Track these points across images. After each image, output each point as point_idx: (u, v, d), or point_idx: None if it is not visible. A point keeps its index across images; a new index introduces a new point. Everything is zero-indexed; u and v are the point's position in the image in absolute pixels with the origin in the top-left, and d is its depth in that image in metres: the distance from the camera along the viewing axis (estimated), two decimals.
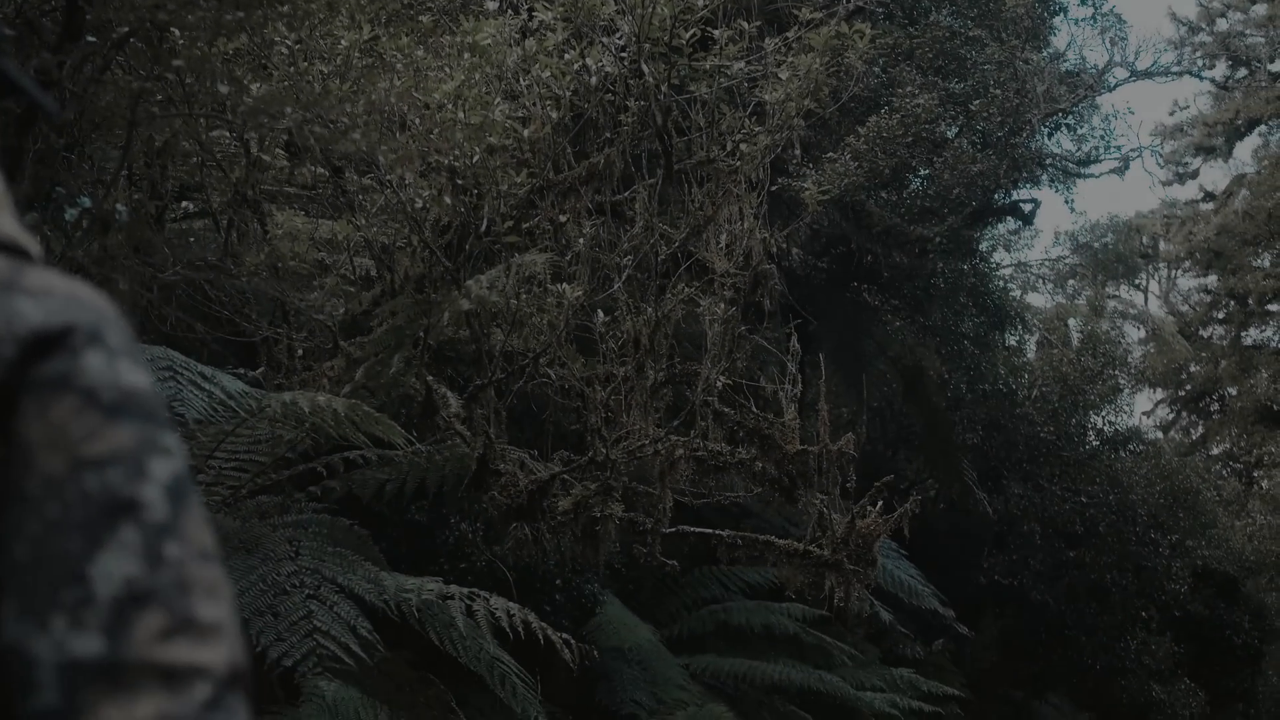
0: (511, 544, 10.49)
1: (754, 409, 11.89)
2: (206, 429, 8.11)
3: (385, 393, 9.42)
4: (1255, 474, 32.44)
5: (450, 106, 8.80)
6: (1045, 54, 19.87)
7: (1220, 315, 36.07)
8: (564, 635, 8.47)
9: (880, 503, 12.04)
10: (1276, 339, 33.63)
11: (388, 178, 8.94)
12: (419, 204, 8.94)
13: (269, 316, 9.62)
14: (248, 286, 8.91)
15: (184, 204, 10.39)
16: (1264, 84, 32.68)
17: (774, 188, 13.13)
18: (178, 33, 6.89)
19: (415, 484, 9.98)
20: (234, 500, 8.82)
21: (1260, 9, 32.59)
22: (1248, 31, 33.51)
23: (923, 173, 18.22)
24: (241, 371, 8.82)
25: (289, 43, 7.72)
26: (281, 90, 7.29)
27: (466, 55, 9.03)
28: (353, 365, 9.16)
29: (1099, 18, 21.79)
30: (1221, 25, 33.67)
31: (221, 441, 8.47)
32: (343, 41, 8.10)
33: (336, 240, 9.51)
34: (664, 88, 11.00)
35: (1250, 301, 33.82)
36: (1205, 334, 36.44)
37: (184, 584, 1.10)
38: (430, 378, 9.78)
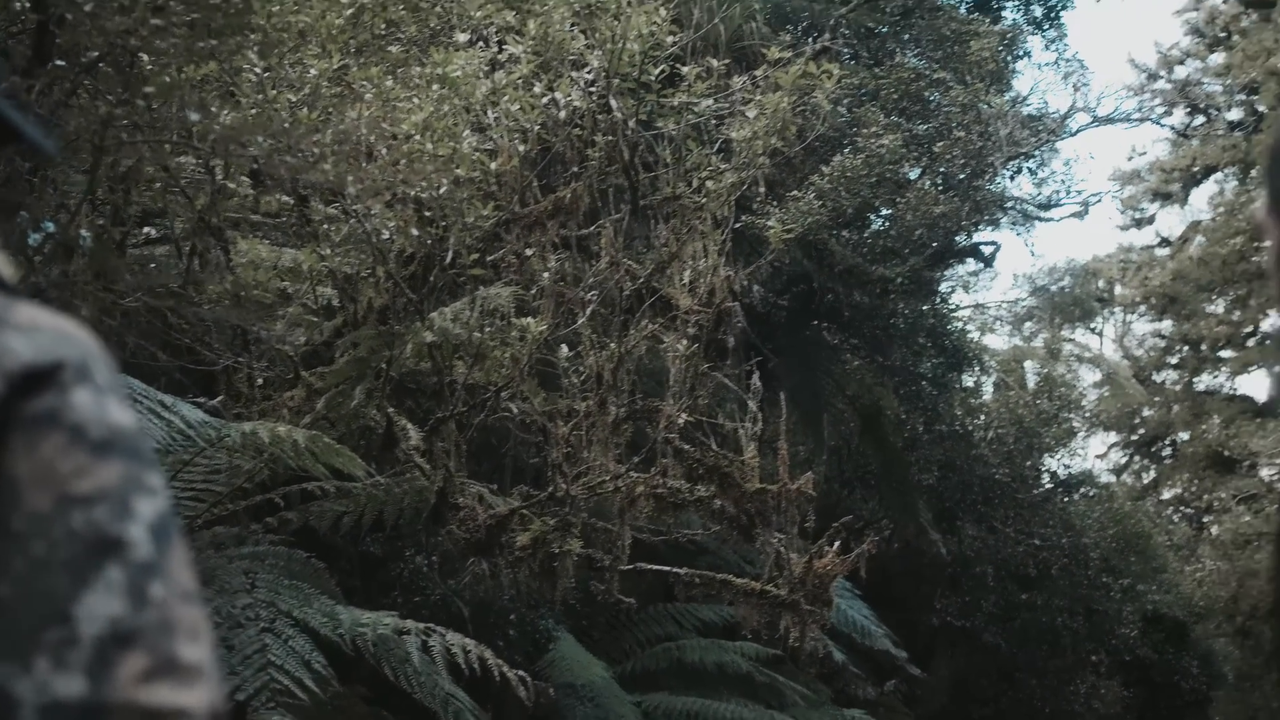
0: (468, 578, 10.42)
1: (714, 446, 11.88)
2: (164, 458, 8.02)
3: (346, 424, 9.35)
4: (1205, 519, 32.67)
5: (418, 137, 8.77)
6: (1008, 98, 20.03)
7: (1174, 360, 36.37)
8: (519, 673, 8.40)
9: (837, 543, 12.05)
10: (1228, 385, 33.94)
11: (354, 208, 8.89)
12: (384, 235, 8.90)
13: (230, 345, 9.54)
14: (209, 315, 8.84)
15: (146, 229, 10.31)
16: (1221, 132, 33.06)
17: (738, 225, 13.16)
18: (147, 58, 6.83)
19: (373, 516, 9.90)
20: (189, 531, 8.72)
21: (1218, 57, 33.00)
22: (1205, 80, 33.91)
23: (885, 213, 18.30)
24: (201, 400, 8.73)
25: (258, 70, 7.68)
26: (250, 118, 7.24)
27: (436, 86, 9.01)
28: (314, 396, 9.09)
29: (1062, 63, 22.02)
30: (1180, 73, 34.07)
31: (179, 471, 8.38)
32: (312, 70, 8.06)
33: (300, 269, 9.45)
34: (632, 123, 11.03)
35: (1203, 347, 34.11)
36: (1159, 379, 36.72)
37: (168, 625, 1.09)
38: (391, 409, 9.72)
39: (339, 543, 10.78)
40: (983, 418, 24.83)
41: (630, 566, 11.03)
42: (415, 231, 8.84)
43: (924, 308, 20.39)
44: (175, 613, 1.09)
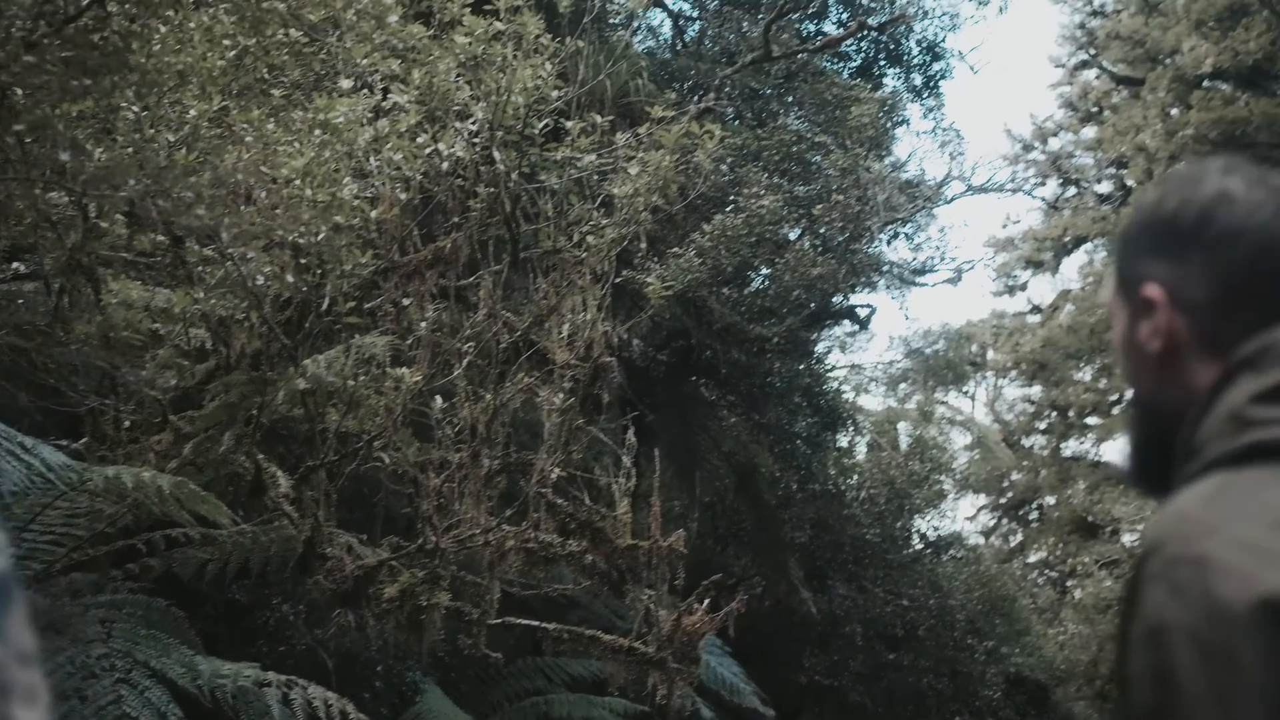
0: (334, 629, 10.27)
1: (587, 501, 11.87)
2: (22, 501, 7.82)
3: (214, 470, 9.20)
4: (1069, 583, 33.28)
5: (298, 182, 8.70)
6: (887, 163, 20.42)
7: (1042, 426, 37.12)
8: None
9: (707, 600, 12.08)
10: (1094, 451, 34.68)
11: (230, 251, 8.78)
12: (260, 280, 8.80)
13: (97, 386, 9.35)
14: (76, 355, 8.65)
15: (15, 265, 10.08)
16: (1091, 204, 33.95)
17: (619, 280, 13.22)
18: (20, 93, 6.71)
19: (238, 564, 9.74)
20: (46, 577, 8.50)
21: (1089, 131, 33.90)
22: (1077, 152, 34.85)
23: (765, 272, 18.50)
24: (64, 443, 8.53)
25: (136, 109, 7.58)
26: (125, 158, 7.14)
27: (318, 132, 8.96)
28: (181, 440, 8.93)
29: (939, 131, 22.51)
30: (1054, 145, 34.98)
31: (37, 514, 8.17)
32: (191, 111, 7.97)
33: (173, 311, 9.30)
34: (514, 176, 11.05)
35: (1071, 413, 34.87)
36: (1028, 443, 37.44)
37: (3, 688, 1.05)
38: (261, 456, 9.58)
39: (204, 590, 10.58)
40: (856, 478, 25.11)
41: (499, 620, 10.96)
42: (291, 278, 8.75)
43: (800, 367, 20.62)
44: (11, 675, 1.06)
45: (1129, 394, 1.79)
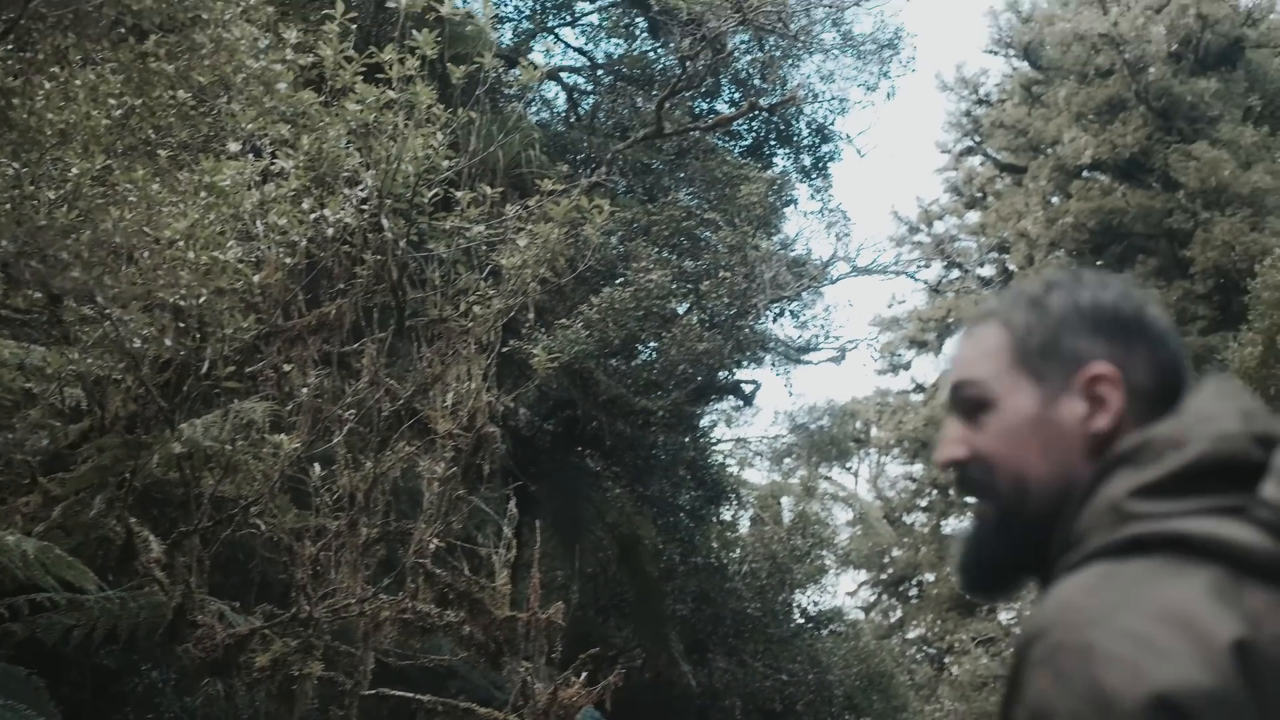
0: (203, 698, 10.08)
1: (467, 571, 11.80)
2: None
3: (83, 533, 9.01)
4: (946, 660, 33.57)
5: (182, 244, 8.63)
6: (775, 241, 20.67)
7: (923, 503, 37.56)
8: None
9: (585, 672, 12.04)
10: None
11: (108, 311, 8.67)
12: (138, 341, 8.69)
13: None
14: None
15: None
16: (973, 287, 34.61)
17: (505, 350, 13.22)
18: None
19: (105, 630, 9.53)
20: None
21: (973, 216, 34.62)
22: (961, 236, 35.55)
23: (651, 345, 18.61)
24: None
25: (15, 166, 7.49)
26: (2, 215, 7.04)
27: (203, 194, 8.89)
28: (51, 502, 8.75)
29: (826, 212, 22.86)
30: (939, 228, 35.65)
31: None
32: (74, 169, 7.89)
33: (46, 370, 9.13)
34: (402, 243, 11.03)
35: (951, 492, 35.30)
36: (909, 520, 37.84)
37: None
38: (133, 520, 9.41)
39: (70, 655, 10.33)
40: (738, 551, 25.19)
41: (373, 691, 10.82)
42: (170, 340, 8.65)
43: (685, 440, 20.70)
44: None
45: (1001, 480, 1.76)
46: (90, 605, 9.36)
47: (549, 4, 20.98)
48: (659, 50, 20.46)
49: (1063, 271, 1.91)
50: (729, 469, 25.98)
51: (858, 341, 36.54)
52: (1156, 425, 1.69)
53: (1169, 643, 1.42)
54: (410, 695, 11.32)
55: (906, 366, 38.01)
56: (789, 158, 22.12)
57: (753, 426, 49.30)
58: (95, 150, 8.02)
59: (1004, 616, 30.70)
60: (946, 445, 1.82)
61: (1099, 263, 27.74)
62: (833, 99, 21.99)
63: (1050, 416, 1.75)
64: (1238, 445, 1.62)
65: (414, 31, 9.88)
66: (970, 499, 1.81)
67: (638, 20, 20.84)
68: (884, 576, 37.10)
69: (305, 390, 10.02)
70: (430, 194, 10.67)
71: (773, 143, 21.78)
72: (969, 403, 1.81)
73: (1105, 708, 1.39)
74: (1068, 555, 1.63)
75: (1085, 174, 28.23)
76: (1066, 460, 1.73)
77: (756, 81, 20.36)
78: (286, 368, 10.03)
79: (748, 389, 22.26)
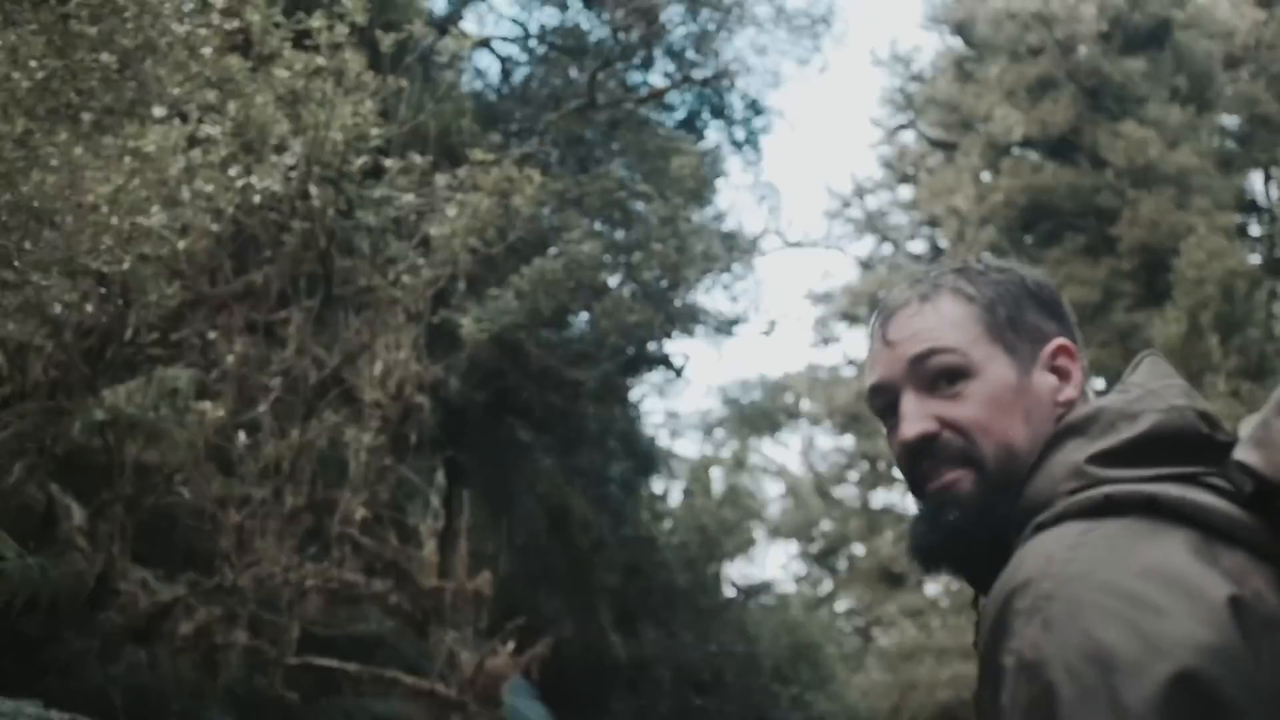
0: (126, 667, 10.02)
1: (395, 541, 11.80)
2: None
3: (3, 500, 8.92)
4: (874, 631, 33.88)
5: (105, 209, 8.53)
6: (707, 213, 20.73)
7: (854, 477, 37.81)
8: None
9: (513, 642, 12.08)
10: (901, 503, 35.42)
11: (30, 277, 8.56)
12: (59, 307, 8.60)
13: None
14: None
15: None
16: (904, 263, 34.83)
17: (435, 320, 13.19)
18: None
19: (25, 598, 9.44)
20: None
21: (905, 191, 34.83)
22: (893, 211, 35.76)
23: (583, 317, 18.61)
24: None
25: None
26: None
27: (128, 159, 8.80)
28: None
29: (759, 186, 22.94)
30: (871, 203, 35.82)
31: None
32: None
33: None
34: (330, 212, 10.98)
35: (880, 464, 35.58)
36: (838, 493, 38.08)
37: None
38: (55, 487, 9.33)
39: None
40: (669, 523, 25.30)
41: (299, 659, 10.81)
42: (91, 307, 8.56)
43: (615, 412, 20.74)
44: None
45: (986, 447, 1.74)
46: (9, 573, 9.27)
47: None
48: (593, 21, 20.40)
49: (989, 256, 1.95)
50: (660, 442, 26.10)
51: (788, 315, 36.67)
52: (1104, 398, 1.76)
53: (1161, 599, 1.46)
54: (336, 664, 11.32)
55: (838, 340, 38.20)
56: (721, 130, 22.18)
57: (683, 400, 49.45)
58: (15, 113, 7.91)
59: (930, 589, 31.03)
60: (914, 420, 1.78)
61: (1028, 239, 28.02)
62: (766, 72, 22.07)
63: (1028, 386, 1.79)
64: (1187, 418, 1.68)
65: None
66: (935, 475, 1.78)
67: None
68: (814, 549, 37.34)
69: (231, 358, 9.95)
70: (359, 162, 10.61)
71: (705, 116, 21.81)
72: (944, 371, 1.79)
73: (1098, 659, 1.42)
74: (1027, 518, 1.65)
75: (1016, 151, 28.48)
76: (1043, 430, 1.76)
77: (690, 54, 20.36)
78: (212, 335, 9.96)
79: (678, 360, 22.37)
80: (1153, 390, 1.73)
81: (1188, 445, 1.67)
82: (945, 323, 1.81)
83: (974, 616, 1.71)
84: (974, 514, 1.74)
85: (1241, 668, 1.43)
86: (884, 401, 1.85)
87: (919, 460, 1.79)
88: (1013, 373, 1.79)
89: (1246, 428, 1.64)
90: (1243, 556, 1.54)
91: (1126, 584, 1.47)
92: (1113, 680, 1.41)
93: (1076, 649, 1.43)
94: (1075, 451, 1.68)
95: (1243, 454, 1.60)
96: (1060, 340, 1.85)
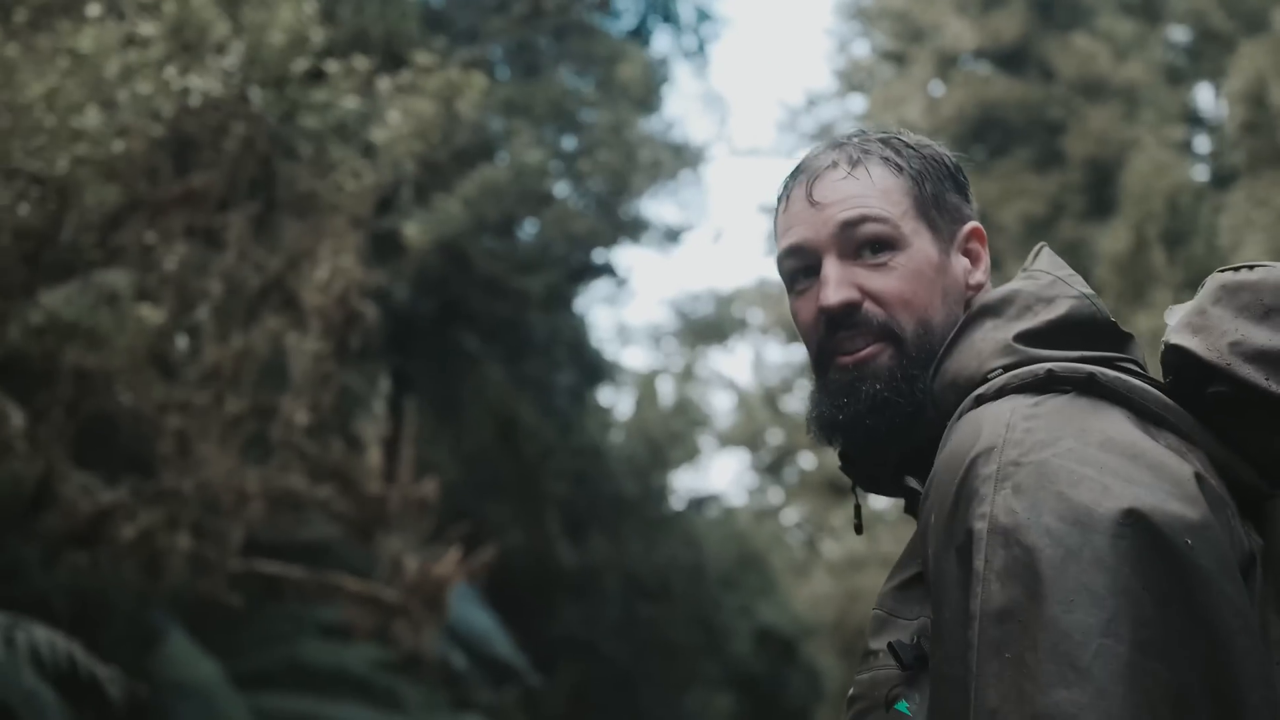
0: (68, 571, 10.01)
1: (340, 449, 11.80)
2: None
3: None
4: (821, 542, 34.21)
5: (40, 110, 8.41)
6: (655, 122, 20.65)
7: (803, 388, 37.98)
8: (111, 669, 8.13)
9: (459, 549, 12.14)
10: None
11: None
12: None
13: None
14: None
15: None
16: None
17: (380, 227, 13.11)
18: None
19: None
20: None
21: (857, 103, 34.73)
22: (844, 122, 35.64)
23: (529, 226, 18.55)
24: None
25: None
26: None
27: (63, 59, 8.67)
28: None
29: (707, 95, 22.84)
30: (822, 114, 35.69)
31: None
32: None
33: None
34: (272, 116, 10.85)
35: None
36: (787, 406, 38.29)
37: None
38: None
39: None
40: (617, 434, 25.40)
41: (243, 566, 10.83)
42: (26, 209, 8.46)
43: (563, 321, 20.74)
44: None
45: (906, 323, 1.74)
46: None
47: None
48: None
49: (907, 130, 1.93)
50: (607, 352, 26.16)
51: (738, 227, 36.58)
52: (1015, 282, 1.76)
53: (1128, 469, 1.47)
54: (279, 570, 11.35)
55: None
56: (670, 38, 22.04)
57: (633, 310, 49.44)
58: None
59: (880, 502, 31.33)
60: (839, 286, 1.75)
61: (978, 151, 28.02)
62: None
63: (947, 265, 1.80)
64: (1097, 305, 1.72)
65: None
66: (850, 347, 1.76)
67: None
68: (762, 461, 37.57)
69: (171, 262, 9.85)
70: (301, 65, 10.48)
71: (654, 22, 21.63)
72: (873, 240, 1.77)
73: (1080, 521, 1.43)
74: (952, 393, 1.67)
75: (966, 63, 28.41)
76: (955, 311, 1.78)
77: None
78: (152, 239, 9.85)
79: (625, 269, 22.39)
80: (1060, 278, 1.75)
81: (1099, 331, 1.71)
82: (877, 190, 1.79)
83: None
84: (895, 386, 1.73)
85: (1214, 536, 1.45)
86: (800, 264, 1.83)
87: (835, 329, 1.77)
88: (934, 250, 1.80)
89: (1176, 315, 1.66)
90: (1174, 438, 1.57)
91: (1093, 454, 1.49)
92: (1093, 539, 1.42)
93: (1054, 512, 1.44)
94: (996, 331, 1.70)
95: (1179, 338, 1.62)
96: (974, 224, 1.86)
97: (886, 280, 1.76)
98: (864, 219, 1.77)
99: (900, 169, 1.82)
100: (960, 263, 1.83)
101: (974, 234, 1.86)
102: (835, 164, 1.83)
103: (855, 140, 1.88)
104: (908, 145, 1.87)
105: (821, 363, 1.82)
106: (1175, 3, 26.61)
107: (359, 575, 12.24)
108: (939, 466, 1.58)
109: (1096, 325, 1.71)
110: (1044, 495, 1.46)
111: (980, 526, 1.47)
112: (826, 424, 1.79)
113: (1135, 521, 1.42)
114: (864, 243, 1.77)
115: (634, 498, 23.62)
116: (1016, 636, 1.41)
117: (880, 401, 1.73)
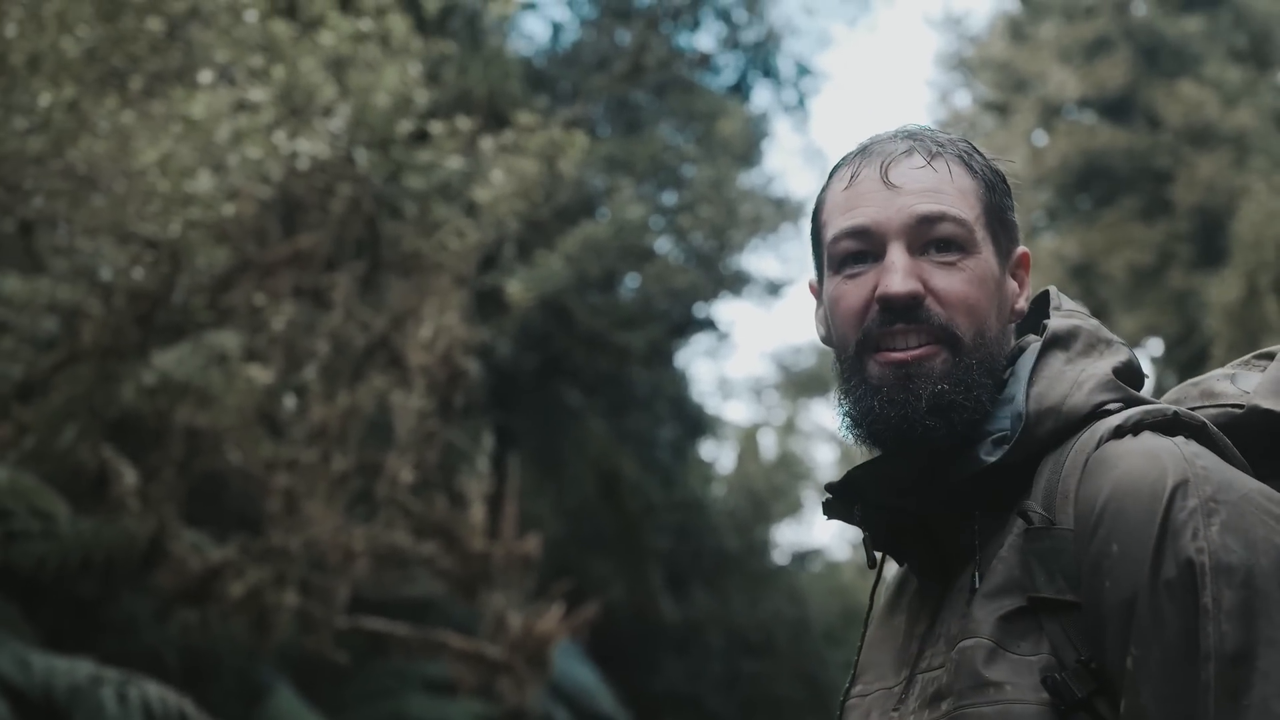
0: (179, 627, 10.15)
1: (443, 505, 11.87)
2: None
3: (56, 462, 9.05)
4: None
5: (153, 175, 8.60)
6: (755, 176, 20.69)
7: None
8: None
9: (562, 605, 12.13)
10: None
11: (79, 241, 8.67)
12: (109, 272, 8.69)
13: None
14: None
15: None
16: None
17: (483, 284, 13.24)
18: None
19: (79, 559, 9.58)
20: None
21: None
22: None
23: (630, 281, 18.63)
24: None
25: None
26: None
27: (175, 124, 8.86)
28: (23, 432, 8.78)
29: (807, 149, 22.87)
30: None
31: None
32: (44, 98, 7.85)
33: (18, 299, 9.13)
34: (377, 177, 11.02)
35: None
36: None
37: None
38: (109, 450, 9.45)
39: (46, 584, 10.39)
40: (719, 488, 25.33)
41: (348, 622, 10.91)
42: (140, 272, 8.64)
43: (664, 375, 20.77)
44: None
45: (965, 328, 1.66)
46: (63, 534, 9.40)
47: None
48: None
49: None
50: (709, 406, 26.13)
51: None
52: (1070, 318, 1.73)
53: None
54: (384, 627, 11.42)
55: None
56: (770, 93, 22.11)
57: (734, 363, 49.34)
58: (64, 80, 7.98)
59: None
60: (907, 275, 1.66)
61: (1083, 201, 27.70)
62: (814, 34, 21.93)
63: (1003, 282, 1.75)
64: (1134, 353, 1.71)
65: None
66: (905, 343, 1.66)
67: None
68: None
69: (278, 322, 10.01)
70: (405, 126, 10.63)
71: (754, 78, 21.71)
72: (948, 240, 1.69)
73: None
74: (1061, 421, 1.62)
75: (1070, 112, 28.13)
76: (1006, 330, 1.74)
77: (738, 16, 20.26)
78: (260, 300, 10.02)
79: (727, 324, 22.40)
80: (1097, 321, 1.74)
81: (1139, 377, 1.72)
82: (955, 189, 1.71)
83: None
84: (960, 390, 1.64)
85: None
86: (860, 246, 1.72)
87: (893, 320, 1.67)
88: (995, 263, 1.73)
89: (1251, 380, 1.68)
90: None
91: (1263, 500, 1.52)
92: None
93: (1267, 555, 1.46)
94: (1071, 365, 1.67)
95: (1268, 403, 1.63)
96: (1025, 249, 1.82)
97: (952, 281, 1.67)
98: (944, 217, 1.69)
99: (975, 172, 1.74)
100: (1010, 284, 1.77)
101: (1023, 259, 1.80)
102: (911, 151, 1.74)
103: (929, 133, 1.79)
104: (978, 151, 1.79)
105: (860, 355, 1.70)
106: None
107: (463, 632, 12.28)
108: (1114, 493, 1.52)
109: (1137, 372, 1.71)
110: (1255, 538, 1.46)
111: (1202, 561, 1.45)
112: (877, 421, 1.66)
113: None
114: (936, 240, 1.69)
115: (736, 552, 23.50)
116: (1257, 683, 1.42)
117: (945, 403, 1.63)
